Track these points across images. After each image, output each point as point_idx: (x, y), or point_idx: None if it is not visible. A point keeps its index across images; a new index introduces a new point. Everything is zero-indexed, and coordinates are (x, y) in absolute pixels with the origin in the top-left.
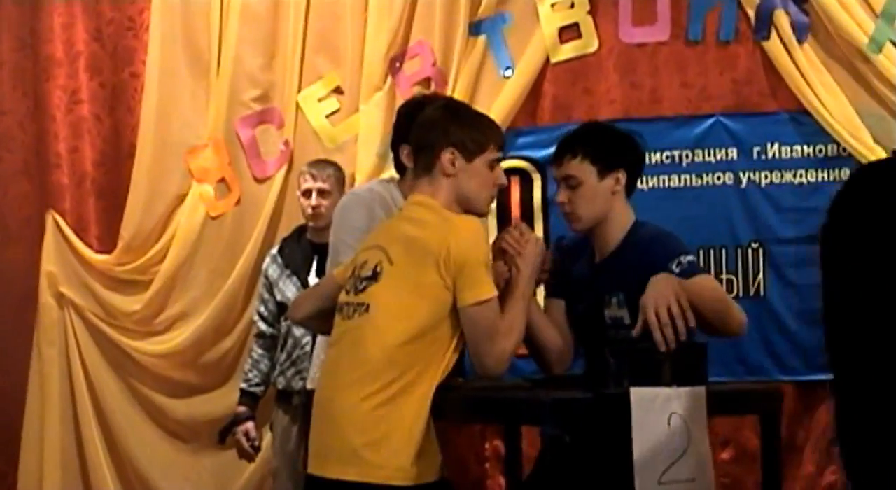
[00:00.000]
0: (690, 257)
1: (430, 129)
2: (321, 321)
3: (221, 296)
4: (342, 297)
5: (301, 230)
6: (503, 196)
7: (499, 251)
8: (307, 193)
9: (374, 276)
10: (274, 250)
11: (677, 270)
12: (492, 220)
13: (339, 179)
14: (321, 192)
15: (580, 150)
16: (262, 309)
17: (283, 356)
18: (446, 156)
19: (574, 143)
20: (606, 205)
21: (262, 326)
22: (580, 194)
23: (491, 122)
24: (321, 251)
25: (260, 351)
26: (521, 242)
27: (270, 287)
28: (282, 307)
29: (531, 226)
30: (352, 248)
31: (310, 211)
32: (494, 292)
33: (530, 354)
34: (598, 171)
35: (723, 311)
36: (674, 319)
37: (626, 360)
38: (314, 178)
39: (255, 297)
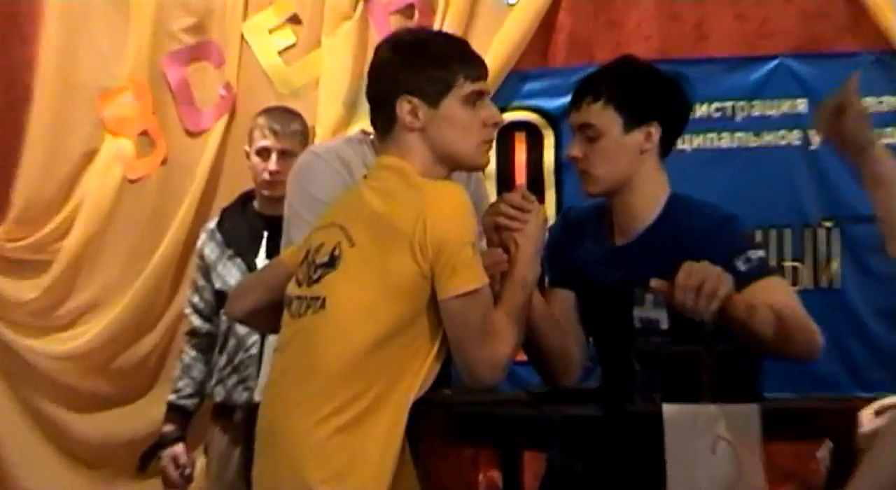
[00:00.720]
0: (761, 253)
1: (379, 79)
2: (267, 317)
3: (142, 281)
4: (292, 289)
5: (246, 198)
6: (505, 158)
7: (492, 226)
8: (264, 153)
9: (332, 263)
10: (211, 224)
11: (744, 268)
12: (491, 189)
13: (305, 137)
14: (283, 154)
15: (604, 93)
16: (197, 299)
17: (223, 360)
18: (403, 107)
19: (598, 83)
20: (631, 166)
21: (197, 322)
22: (599, 149)
23: (456, 47)
24: (273, 226)
25: (193, 353)
26: (523, 213)
27: (207, 271)
28: (221, 297)
29: (541, 196)
30: (309, 224)
31: (266, 176)
32: (484, 280)
33: (531, 360)
34: (624, 121)
35: (794, 329)
36: (700, 295)
37: (657, 367)
38: (276, 135)
39: (187, 283)
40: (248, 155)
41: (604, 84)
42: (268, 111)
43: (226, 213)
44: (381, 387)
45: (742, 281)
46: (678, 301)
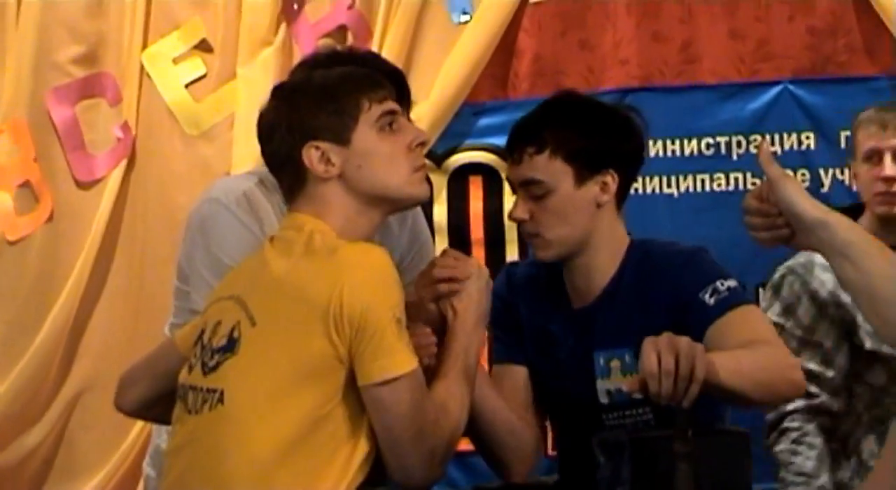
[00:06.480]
0: (732, 282)
1: (273, 136)
2: (162, 409)
3: (25, 362)
4: (184, 377)
5: None
6: (459, 207)
7: (430, 298)
8: None
9: (230, 347)
10: None
11: (712, 302)
12: (443, 244)
13: None
14: None
15: (549, 141)
16: None
17: None
18: (311, 156)
19: (538, 128)
20: (588, 223)
21: None
22: (549, 207)
23: (345, 72)
24: None
25: None
26: (461, 271)
27: None
28: None
29: (501, 251)
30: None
31: None
32: (414, 362)
33: (476, 447)
34: (576, 173)
35: (773, 368)
36: (678, 377)
37: (623, 456)
38: None
39: (81, 362)
40: None
41: (547, 129)
42: None
43: None
44: None
45: (711, 316)
46: (654, 391)
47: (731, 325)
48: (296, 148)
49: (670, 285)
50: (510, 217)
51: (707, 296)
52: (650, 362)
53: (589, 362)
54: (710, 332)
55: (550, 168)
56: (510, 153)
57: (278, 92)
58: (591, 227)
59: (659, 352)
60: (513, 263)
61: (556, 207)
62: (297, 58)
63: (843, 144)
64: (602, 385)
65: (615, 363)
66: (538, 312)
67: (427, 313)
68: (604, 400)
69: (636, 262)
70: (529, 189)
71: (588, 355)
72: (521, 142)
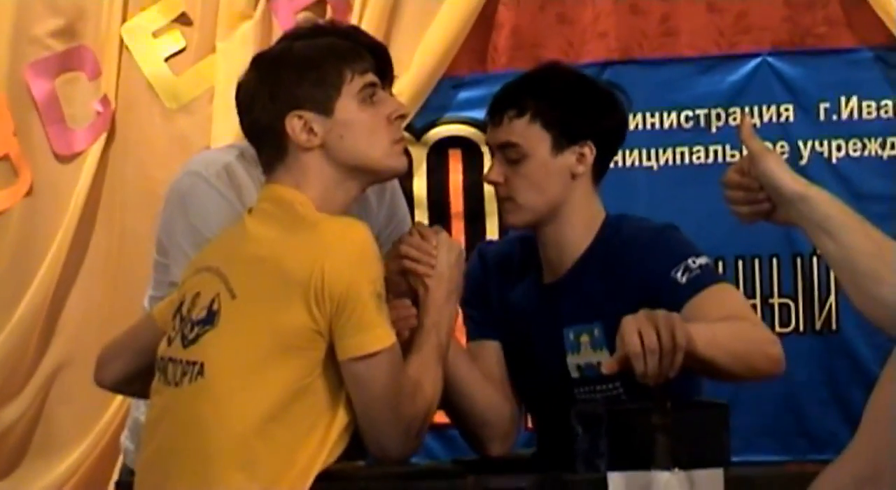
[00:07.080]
0: (703, 260)
1: (254, 106)
2: (142, 384)
3: (5, 336)
4: (163, 349)
5: None
6: (438, 181)
7: (398, 271)
8: None
9: (210, 319)
10: None
11: (684, 280)
12: (422, 217)
13: None
14: None
15: (530, 106)
16: None
17: None
18: (294, 125)
19: (522, 94)
20: (561, 192)
21: None
22: (524, 172)
23: (329, 43)
24: None
25: None
26: (426, 251)
27: None
28: None
29: (481, 225)
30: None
31: None
32: (393, 337)
33: (455, 424)
34: (553, 140)
35: (752, 347)
36: (662, 352)
37: (601, 428)
38: None
39: (60, 336)
40: None
41: (529, 95)
42: None
43: None
44: (275, 469)
45: (685, 296)
46: (640, 372)
47: (706, 304)
48: (278, 117)
49: (640, 263)
50: (484, 179)
51: (679, 274)
52: (633, 342)
53: (559, 337)
54: (684, 311)
55: (528, 132)
56: (491, 116)
57: (258, 62)
58: (564, 196)
59: (640, 330)
60: (486, 243)
61: (530, 172)
62: (277, 31)
63: (821, 117)
64: (572, 360)
65: (585, 338)
66: (510, 289)
67: (395, 285)
68: (574, 374)
69: (607, 240)
70: (506, 152)
71: (558, 330)
72: (503, 105)
